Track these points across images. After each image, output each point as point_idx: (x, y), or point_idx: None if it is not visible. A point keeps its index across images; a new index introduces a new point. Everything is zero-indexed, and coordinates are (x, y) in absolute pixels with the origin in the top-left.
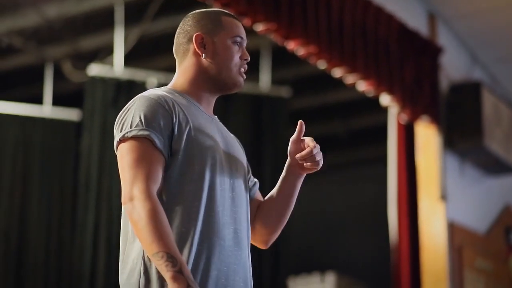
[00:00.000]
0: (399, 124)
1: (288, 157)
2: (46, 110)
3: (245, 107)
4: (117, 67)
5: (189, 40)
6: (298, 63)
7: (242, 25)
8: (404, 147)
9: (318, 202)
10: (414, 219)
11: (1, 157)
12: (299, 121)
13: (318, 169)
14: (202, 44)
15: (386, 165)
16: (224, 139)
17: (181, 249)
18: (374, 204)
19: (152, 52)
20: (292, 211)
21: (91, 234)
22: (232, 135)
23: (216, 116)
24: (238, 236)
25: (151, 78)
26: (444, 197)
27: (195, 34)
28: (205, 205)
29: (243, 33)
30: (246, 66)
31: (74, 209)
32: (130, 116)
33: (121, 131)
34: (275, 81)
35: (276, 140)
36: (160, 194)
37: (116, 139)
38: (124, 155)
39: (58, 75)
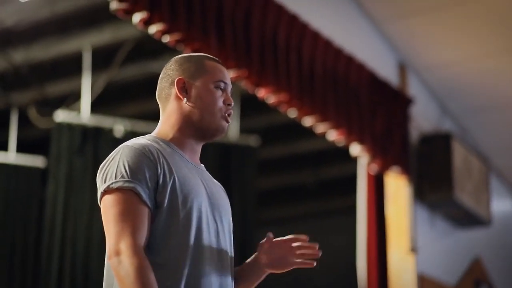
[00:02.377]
0: (369, 175)
1: (259, 254)
2: (11, 156)
3: (214, 155)
4: (84, 113)
5: (171, 84)
6: (267, 112)
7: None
8: (374, 198)
9: None
10: (384, 271)
11: None
12: (268, 234)
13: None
14: (183, 89)
15: (354, 215)
16: (209, 189)
17: None
18: (343, 255)
19: (120, 99)
20: None
21: (55, 282)
22: (217, 183)
23: (202, 165)
24: (224, 284)
25: (118, 125)
26: (414, 249)
27: (177, 78)
28: (191, 258)
29: (226, 78)
30: (231, 111)
31: (38, 256)
32: (114, 166)
33: (105, 182)
34: (244, 130)
35: (244, 188)
36: (145, 247)
37: (100, 190)
38: (109, 207)
39: (24, 121)
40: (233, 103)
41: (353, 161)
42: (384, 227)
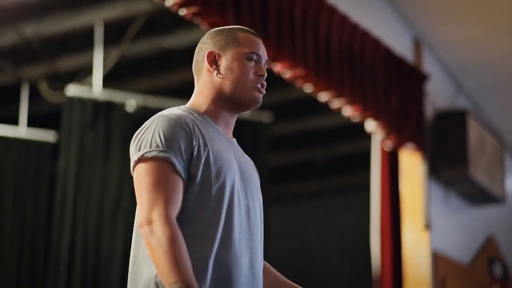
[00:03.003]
0: (383, 151)
1: None
2: (22, 130)
3: None
4: (95, 88)
5: (203, 57)
6: (280, 88)
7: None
8: (388, 175)
9: (298, 228)
10: (398, 248)
11: None
12: None
13: None
14: (214, 61)
15: (366, 192)
16: (240, 164)
17: (195, 276)
18: (355, 232)
19: (132, 74)
20: (273, 239)
21: (66, 257)
22: (248, 158)
23: (234, 140)
24: (254, 266)
25: (130, 100)
26: (428, 226)
27: (208, 51)
28: (221, 232)
29: (259, 50)
30: (264, 82)
31: (48, 232)
32: (150, 135)
33: (139, 151)
34: None
35: (256, 165)
36: (177, 218)
37: (134, 158)
38: (143, 176)
39: (35, 96)
40: (266, 75)
41: (365, 137)
42: (398, 204)
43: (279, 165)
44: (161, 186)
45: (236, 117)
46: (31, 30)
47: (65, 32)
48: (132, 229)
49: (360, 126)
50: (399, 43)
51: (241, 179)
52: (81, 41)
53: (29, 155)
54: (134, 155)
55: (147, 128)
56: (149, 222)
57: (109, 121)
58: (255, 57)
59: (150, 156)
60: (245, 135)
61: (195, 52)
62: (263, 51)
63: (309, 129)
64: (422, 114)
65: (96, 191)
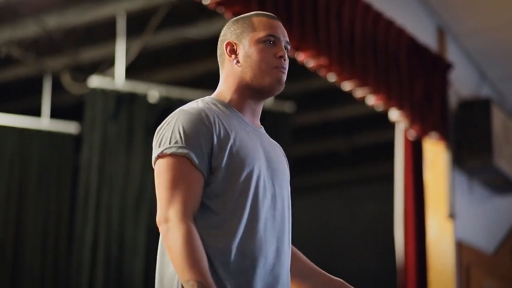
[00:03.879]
0: (407, 141)
1: None
2: (44, 122)
3: None
4: (118, 79)
5: (224, 49)
6: (302, 78)
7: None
8: (411, 164)
9: (321, 218)
10: (422, 237)
11: None
12: None
13: None
14: (232, 51)
15: (390, 182)
16: (267, 153)
17: (219, 266)
18: (379, 222)
19: (154, 64)
20: (296, 230)
21: (89, 249)
22: (276, 145)
23: (262, 128)
24: (280, 255)
25: (153, 91)
26: (452, 215)
27: (226, 42)
28: (246, 222)
29: (276, 31)
30: (284, 63)
31: (72, 223)
32: (170, 131)
33: (159, 147)
34: (278, 96)
35: None
36: (199, 209)
37: (154, 154)
38: (162, 172)
39: (57, 87)
40: (285, 55)
41: (389, 127)
42: (422, 194)
43: (302, 155)
44: (179, 183)
45: (262, 104)
46: (54, 21)
47: (88, 24)
48: (155, 219)
49: (383, 116)
50: (422, 32)
51: (268, 169)
52: (104, 32)
53: (52, 146)
54: (154, 151)
55: (168, 124)
56: (166, 220)
57: (131, 112)
58: (272, 39)
59: (169, 152)
60: (267, 125)
61: (218, 44)
62: (281, 32)
63: (331, 119)
64: (446, 103)
65: (119, 182)
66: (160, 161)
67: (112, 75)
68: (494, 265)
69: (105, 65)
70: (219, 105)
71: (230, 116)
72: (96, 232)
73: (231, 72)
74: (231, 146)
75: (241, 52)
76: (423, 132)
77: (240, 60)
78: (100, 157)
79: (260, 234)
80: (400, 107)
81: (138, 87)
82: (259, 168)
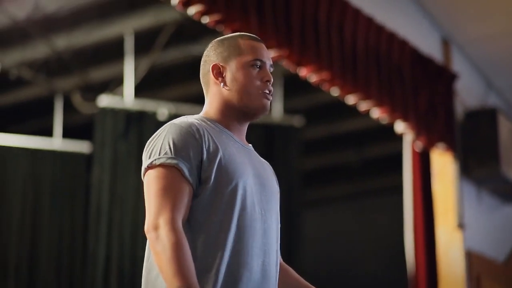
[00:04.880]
0: (414, 152)
1: None
2: (56, 142)
3: (258, 136)
4: (127, 98)
5: (209, 70)
6: (311, 91)
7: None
8: (419, 175)
9: (332, 231)
10: (431, 248)
11: (11, 190)
12: None
13: None
14: (219, 74)
15: (400, 194)
16: (256, 169)
17: (206, 279)
18: (390, 233)
19: (163, 83)
20: (308, 242)
21: (102, 267)
22: (265, 162)
23: (250, 145)
24: (266, 269)
25: (162, 108)
26: (461, 225)
27: (212, 64)
28: (233, 235)
29: (262, 55)
30: (270, 88)
31: (85, 242)
32: (159, 143)
33: (149, 158)
34: (288, 110)
35: (289, 169)
36: (187, 221)
37: (144, 165)
38: (151, 182)
39: (68, 107)
40: (272, 79)
41: (397, 139)
42: (431, 204)
43: (312, 169)
44: (168, 192)
45: (247, 124)
46: (63, 42)
47: (96, 43)
48: None
49: (392, 128)
50: (427, 43)
51: (256, 183)
52: (112, 51)
53: (64, 166)
54: (144, 162)
55: (158, 136)
56: (155, 228)
57: (141, 130)
58: (258, 63)
59: (158, 163)
60: (277, 139)
61: (201, 64)
62: (266, 55)
63: (341, 132)
64: (452, 113)
65: (130, 200)
66: (149, 172)
67: (121, 94)
68: (504, 274)
69: (114, 84)
70: (208, 122)
71: (219, 132)
72: (109, 250)
73: (217, 94)
74: (220, 160)
75: (228, 75)
76: (430, 143)
77: (227, 83)
78: (111, 176)
79: (247, 248)
80: (405, 119)
81: (147, 105)
82: (247, 182)
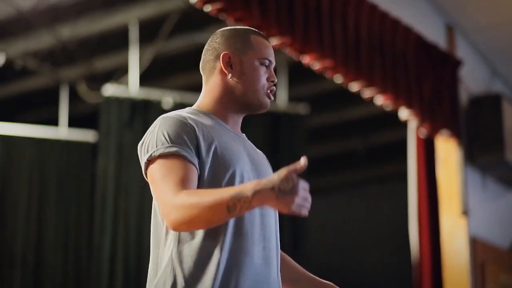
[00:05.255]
0: (418, 139)
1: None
2: (62, 132)
3: (263, 124)
4: (132, 87)
5: (217, 58)
6: (316, 79)
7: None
8: (424, 162)
9: (338, 219)
10: (436, 235)
11: (17, 179)
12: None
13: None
14: (229, 64)
15: (406, 181)
16: (251, 157)
17: (208, 267)
18: (395, 221)
19: (167, 71)
20: (312, 228)
21: (108, 256)
22: (260, 152)
23: (244, 134)
24: (267, 254)
25: (167, 97)
26: (466, 212)
27: (223, 52)
28: (233, 222)
29: (271, 55)
30: (273, 88)
31: (91, 230)
32: (154, 137)
33: (147, 152)
34: (293, 98)
35: (294, 157)
36: None
37: (144, 161)
38: (155, 174)
39: (74, 97)
40: (276, 80)
41: (402, 126)
42: (435, 191)
43: (317, 156)
44: (174, 174)
45: (242, 116)
46: (67, 32)
47: (101, 33)
48: None
49: (397, 115)
50: (431, 30)
51: (252, 170)
52: (117, 40)
53: (70, 155)
54: (142, 160)
55: (150, 132)
56: (171, 208)
57: (146, 119)
58: (267, 62)
59: (157, 154)
60: (282, 127)
61: (205, 50)
62: (273, 56)
63: (346, 120)
64: (457, 100)
65: (135, 189)
66: (151, 167)
67: (126, 83)
68: (509, 261)
69: (119, 73)
70: (201, 114)
71: (212, 123)
72: (114, 239)
73: (221, 83)
74: (215, 148)
75: (237, 67)
76: (434, 130)
77: (236, 75)
78: (116, 165)
79: (247, 234)
80: (409, 105)
81: (152, 94)
82: (244, 169)
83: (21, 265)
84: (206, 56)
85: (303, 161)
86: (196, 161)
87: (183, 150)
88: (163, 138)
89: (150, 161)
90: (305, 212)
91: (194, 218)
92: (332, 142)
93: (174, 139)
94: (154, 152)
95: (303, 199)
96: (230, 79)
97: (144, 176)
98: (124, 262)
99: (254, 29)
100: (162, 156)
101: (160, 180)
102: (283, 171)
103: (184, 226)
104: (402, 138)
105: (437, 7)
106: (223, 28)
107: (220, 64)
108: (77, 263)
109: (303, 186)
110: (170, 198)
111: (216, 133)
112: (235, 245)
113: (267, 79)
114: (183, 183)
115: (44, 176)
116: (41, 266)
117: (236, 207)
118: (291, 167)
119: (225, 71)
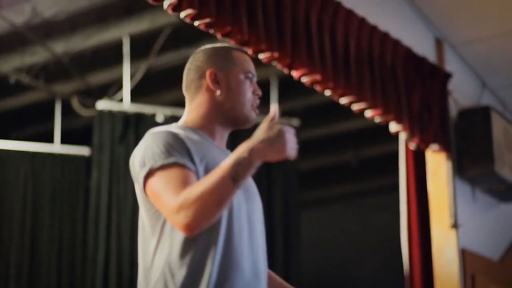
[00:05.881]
0: (408, 152)
1: None
2: (56, 146)
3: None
4: (125, 101)
5: (201, 76)
6: (307, 93)
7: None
8: (414, 175)
9: (329, 231)
10: (427, 247)
11: (12, 194)
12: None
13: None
14: (215, 80)
15: (398, 193)
16: None
17: (200, 279)
18: (387, 233)
19: (160, 86)
20: (304, 240)
21: (101, 269)
22: None
23: (229, 151)
24: (256, 268)
25: (159, 112)
26: (456, 224)
27: (208, 70)
28: (224, 236)
29: (253, 69)
30: (258, 101)
31: (85, 244)
32: (149, 151)
33: (144, 166)
34: (284, 112)
35: (286, 170)
36: (173, 228)
37: (142, 176)
38: (155, 187)
39: (67, 111)
40: (261, 93)
41: (395, 139)
42: (426, 204)
43: (309, 169)
44: (175, 181)
45: (229, 132)
46: (61, 47)
47: (94, 47)
48: None
49: (388, 128)
50: (420, 43)
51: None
52: (110, 55)
53: (64, 170)
54: (140, 175)
55: (143, 148)
56: (177, 212)
57: (139, 133)
58: (251, 75)
59: (156, 166)
60: None
61: (188, 69)
62: (254, 70)
63: (338, 133)
64: (446, 113)
65: (129, 203)
66: (150, 180)
67: (119, 98)
68: (500, 272)
69: (112, 88)
70: (188, 130)
71: (200, 138)
72: (108, 253)
73: (208, 100)
74: (206, 163)
75: (224, 83)
76: (424, 143)
77: (223, 91)
78: (109, 179)
79: (237, 247)
80: (398, 119)
81: (145, 108)
82: None
83: (15, 277)
84: (189, 75)
85: (273, 108)
86: (194, 169)
87: (181, 159)
88: (158, 151)
89: (148, 174)
90: (295, 153)
91: (205, 208)
92: (324, 155)
93: (170, 150)
94: (153, 165)
95: (292, 141)
96: (218, 96)
97: (141, 192)
98: (118, 276)
99: (234, 46)
100: (161, 168)
101: (161, 191)
102: (262, 125)
103: (199, 222)
104: (394, 151)
105: (426, 21)
106: (202, 47)
107: (206, 81)
108: (71, 276)
109: (287, 129)
110: (172, 204)
111: (206, 148)
112: (226, 259)
113: (252, 93)
114: (184, 187)
115: (38, 190)
116: (35, 279)
117: (240, 174)
118: (266, 118)
119: (212, 88)
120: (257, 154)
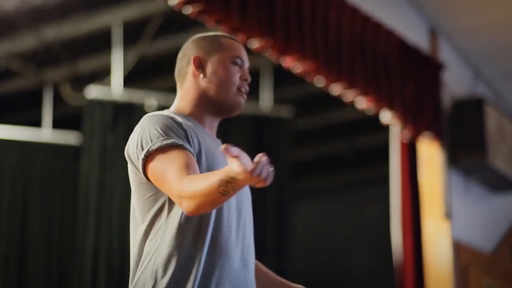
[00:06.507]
0: (401, 142)
1: None
2: (45, 134)
3: (247, 127)
4: (115, 89)
5: (188, 62)
6: (300, 82)
7: (245, 48)
8: (407, 165)
9: (322, 221)
10: (418, 238)
11: (0, 181)
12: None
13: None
14: (200, 66)
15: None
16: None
17: (189, 269)
18: (379, 224)
19: (151, 73)
20: (298, 234)
21: (91, 258)
22: None
23: (219, 140)
24: (245, 257)
25: (150, 99)
26: (448, 215)
27: (193, 56)
28: (213, 226)
29: (242, 55)
30: (247, 88)
31: (74, 233)
32: (147, 133)
33: (142, 150)
34: (277, 101)
35: (279, 160)
36: (168, 213)
37: (141, 158)
38: (156, 169)
39: (57, 98)
40: (250, 79)
41: (389, 129)
42: (418, 195)
43: (302, 159)
44: (175, 162)
45: (219, 120)
46: (51, 33)
47: (85, 34)
48: None
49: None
50: (414, 33)
51: None
52: (101, 42)
53: (54, 157)
54: (139, 158)
55: (140, 130)
56: (181, 197)
57: (130, 121)
58: (239, 61)
59: (155, 148)
60: (266, 130)
61: (178, 58)
62: (245, 57)
63: (332, 123)
64: (439, 104)
65: (119, 192)
66: (151, 163)
67: (110, 85)
68: (492, 264)
69: (103, 75)
70: (180, 117)
71: (192, 124)
72: (97, 242)
73: (194, 86)
74: (200, 148)
75: (208, 68)
76: (417, 133)
77: (207, 76)
78: (99, 168)
79: (226, 237)
80: (391, 108)
81: (136, 96)
82: None
83: (4, 267)
84: (180, 63)
85: (259, 158)
86: (193, 150)
87: (179, 140)
88: (156, 133)
89: (147, 157)
90: (269, 179)
91: (201, 205)
92: (317, 145)
93: (168, 132)
94: (151, 146)
95: (266, 171)
96: (202, 80)
97: (136, 175)
98: (107, 265)
99: (224, 33)
100: (159, 149)
101: (163, 173)
102: (245, 170)
103: (203, 211)
104: (388, 142)
105: (420, 11)
106: (194, 36)
107: (192, 67)
108: (60, 266)
109: (262, 164)
110: (178, 190)
111: (200, 135)
112: (215, 248)
113: (240, 78)
114: (186, 170)
115: (27, 178)
116: (24, 269)
117: (229, 192)
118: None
119: (196, 73)
120: (239, 184)
